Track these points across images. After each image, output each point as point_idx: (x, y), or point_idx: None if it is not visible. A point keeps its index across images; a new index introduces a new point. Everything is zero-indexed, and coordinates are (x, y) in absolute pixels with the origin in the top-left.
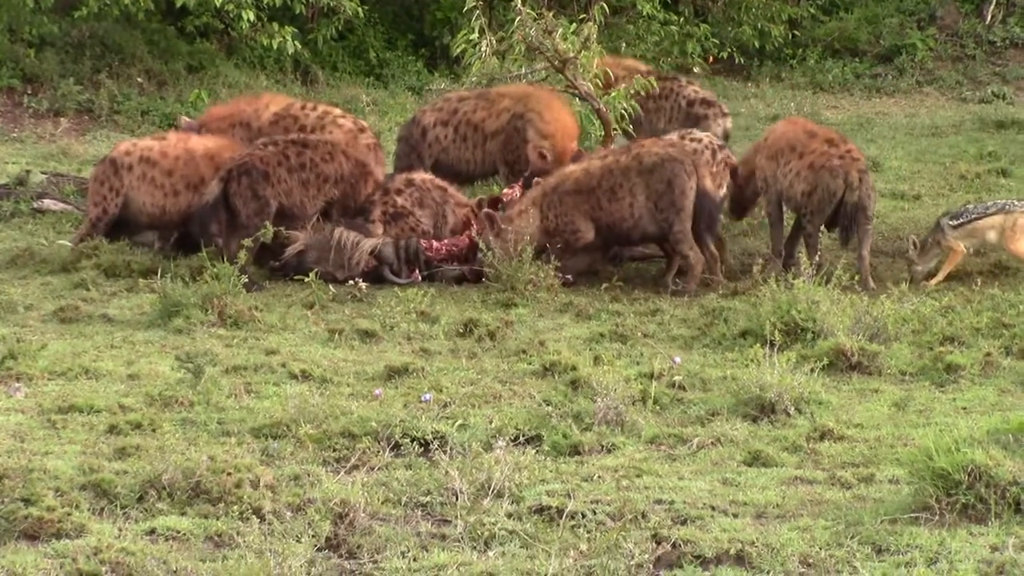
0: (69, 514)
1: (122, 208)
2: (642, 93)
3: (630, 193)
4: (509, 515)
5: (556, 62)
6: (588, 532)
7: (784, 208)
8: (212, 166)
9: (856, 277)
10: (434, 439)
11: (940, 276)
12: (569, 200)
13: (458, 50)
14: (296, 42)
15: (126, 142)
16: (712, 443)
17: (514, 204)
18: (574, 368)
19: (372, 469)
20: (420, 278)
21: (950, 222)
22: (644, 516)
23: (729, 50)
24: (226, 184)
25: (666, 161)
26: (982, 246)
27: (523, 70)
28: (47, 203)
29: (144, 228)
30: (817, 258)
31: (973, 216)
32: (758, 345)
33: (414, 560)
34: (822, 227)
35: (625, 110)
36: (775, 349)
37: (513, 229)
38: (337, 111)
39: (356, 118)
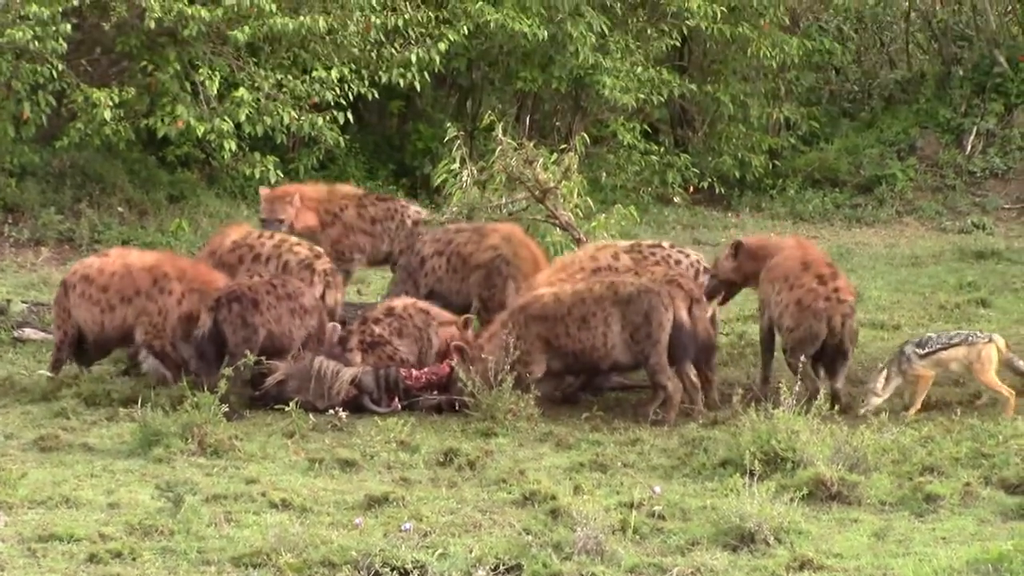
0: None
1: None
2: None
3: (604, 323)
4: None
5: (536, 192)
6: None
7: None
8: (149, 278)
9: (836, 407)
10: (414, 568)
11: (916, 405)
12: (534, 326)
13: (439, 180)
14: (278, 171)
15: (77, 263)
16: (692, 573)
17: (486, 327)
18: (554, 497)
19: None
20: (400, 407)
21: (917, 350)
22: None
23: (709, 180)
24: (215, 312)
25: (643, 293)
26: (947, 376)
27: (504, 200)
28: (28, 332)
29: (93, 347)
30: (812, 386)
31: (938, 346)
32: (738, 475)
33: None
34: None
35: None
36: (755, 479)
37: (487, 353)
38: (294, 239)
39: (311, 245)
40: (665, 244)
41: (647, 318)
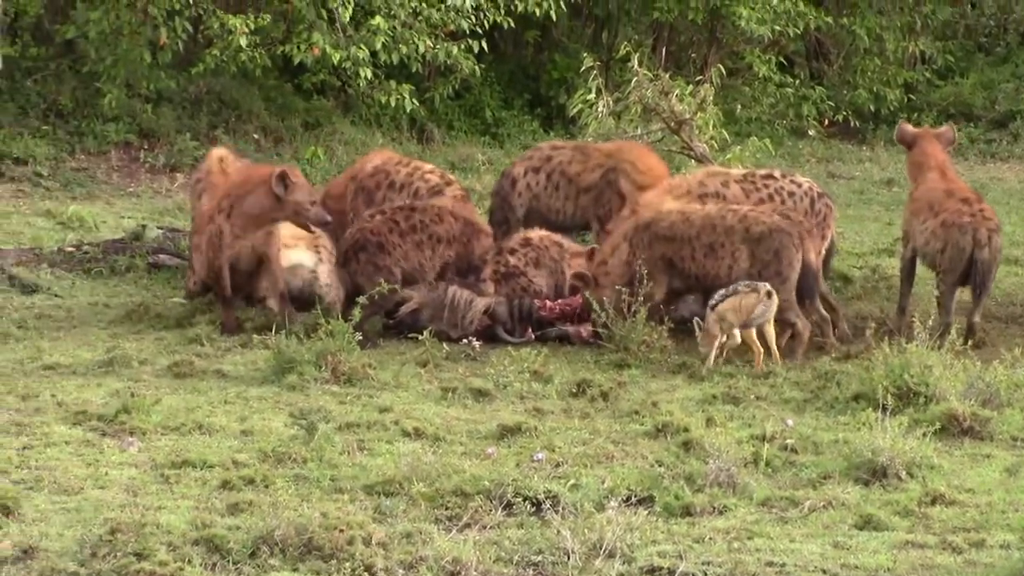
0: (182, 569)
1: None
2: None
3: (731, 256)
4: (620, 575)
5: (672, 123)
6: None
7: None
8: None
9: (970, 342)
10: (546, 499)
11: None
12: (659, 246)
13: (574, 110)
14: (413, 100)
15: None
16: (824, 506)
17: (605, 243)
18: (686, 429)
19: (484, 528)
20: (533, 337)
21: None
22: None
23: (844, 113)
24: (346, 266)
25: (774, 232)
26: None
27: (639, 131)
28: (162, 258)
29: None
30: (949, 319)
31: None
32: (870, 409)
33: None
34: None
35: None
36: (887, 413)
37: (611, 274)
38: (428, 166)
39: (444, 172)
40: (777, 174)
41: (777, 256)
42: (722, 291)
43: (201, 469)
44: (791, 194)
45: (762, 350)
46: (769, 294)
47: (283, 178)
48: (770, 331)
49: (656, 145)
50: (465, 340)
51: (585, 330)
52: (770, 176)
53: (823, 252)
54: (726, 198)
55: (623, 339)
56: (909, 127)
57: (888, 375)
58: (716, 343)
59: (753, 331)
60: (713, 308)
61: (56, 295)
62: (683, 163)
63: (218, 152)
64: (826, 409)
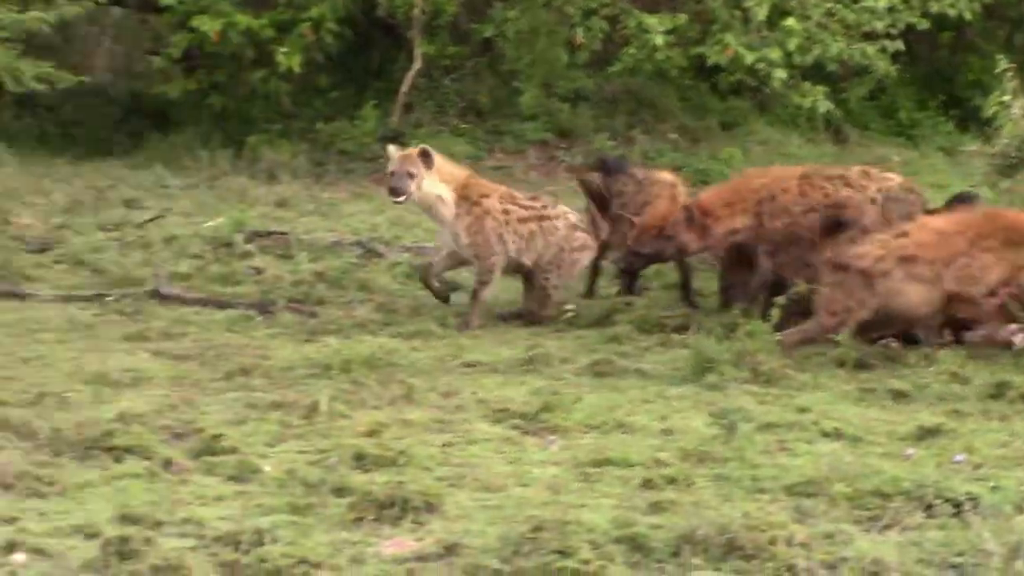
0: (604, 567)
1: None
2: None
3: None
4: None
5: None
6: None
7: None
8: None
9: None
10: (966, 500)
11: None
12: None
13: (990, 112)
14: (828, 101)
15: None
16: None
17: None
18: None
19: (904, 529)
20: (951, 339)
21: None
22: None
23: None
24: (773, 255)
25: None
26: None
27: None
28: None
29: None
30: None
31: None
32: None
33: None
34: None
35: None
36: None
37: None
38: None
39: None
40: None
41: None
42: None
43: (623, 467)
44: None
45: None
46: None
47: None
48: None
49: None
50: (883, 341)
51: (1009, 332)
52: None
53: None
54: None
55: None
56: None
57: None
58: None
59: None
60: None
61: None
62: None
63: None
64: None
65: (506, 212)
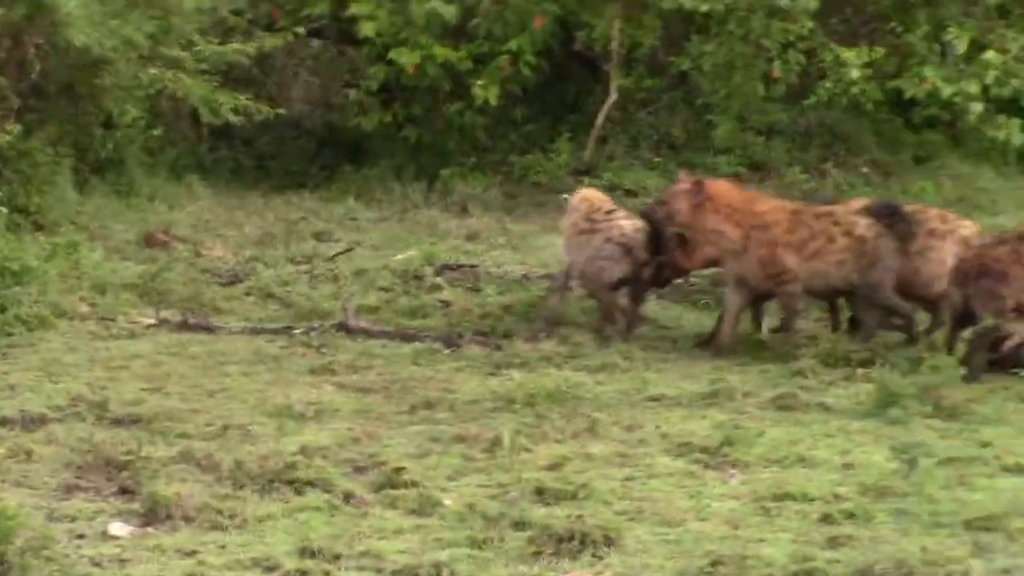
0: None
1: None
2: None
3: None
4: None
5: None
6: None
7: None
8: None
9: None
10: None
11: None
12: None
13: None
14: (1021, 133)
15: None
16: None
17: None
18: None
19: None
20: None
21: None
22: None
23: None
24: (963, 287)
25: None
26: None
27: None
28: None
29: None
30: None
31: None
32: None
33: None
34: None
35: None
36: None
37: None
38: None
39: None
40: None
41: None
42: None
43: (802, 502)
44: None
45: None
46: None
47: None
48: None
49: None
50: None
51: None
52: None
53: None
54: None
55: None
56: None
57: None
58: None
59: None
60: None
61: (662, 326)
62: None
63: None
64: None
65: None
